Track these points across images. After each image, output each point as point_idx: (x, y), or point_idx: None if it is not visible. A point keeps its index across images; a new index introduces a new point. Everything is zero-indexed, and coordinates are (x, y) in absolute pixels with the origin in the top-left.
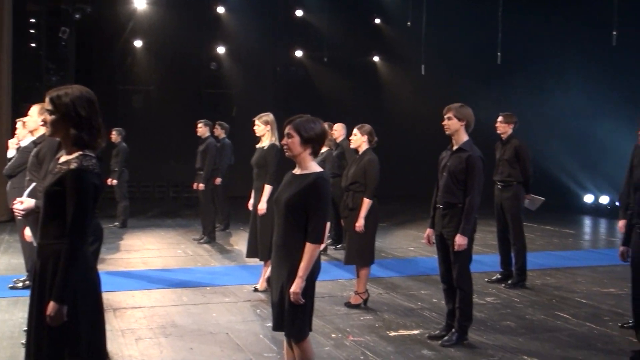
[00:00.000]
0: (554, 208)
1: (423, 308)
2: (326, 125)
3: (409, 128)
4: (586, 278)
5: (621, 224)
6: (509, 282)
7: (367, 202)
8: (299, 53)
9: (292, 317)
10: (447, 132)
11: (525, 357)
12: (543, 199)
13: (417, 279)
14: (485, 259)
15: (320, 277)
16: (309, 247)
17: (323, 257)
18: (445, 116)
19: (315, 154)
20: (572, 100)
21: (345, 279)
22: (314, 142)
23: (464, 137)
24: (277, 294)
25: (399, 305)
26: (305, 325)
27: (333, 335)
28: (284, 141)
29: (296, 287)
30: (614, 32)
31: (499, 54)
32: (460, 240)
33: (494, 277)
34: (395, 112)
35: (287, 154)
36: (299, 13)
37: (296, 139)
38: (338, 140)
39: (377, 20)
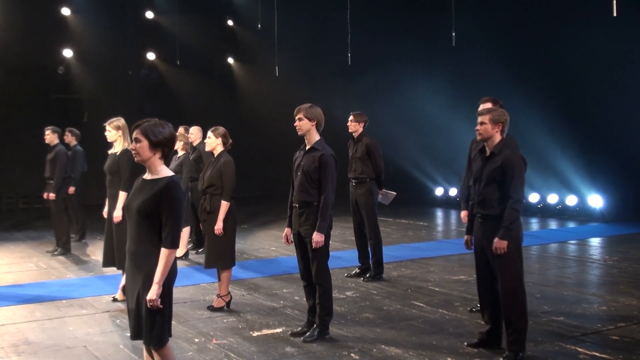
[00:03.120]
0: (408, 202)
1: (285, 306)
2: (182, 128)
3: (266, 129)
4: (439, 267)
5: (463, 214)
6: (367, 275)
7: (225, 205)
8: (151, 56)
9: (150, 324)
10: (299, 133)
11: (383, 346)
12: (395, 193)
13: (279, 278)
14: (344, 255)
15: (181, 282)
16: (164, 252)
17: (184, 262)
18: (296, 117)
19: (165, 157)
20: (421, 99)
21: (207, 282)
22: (163, 145)
23: (316, 137)
24: (134, 302)
25: (261, 305)
26: (165, 331)
27: (196, 340)
28: (132, 146)
29: (153, 293)
30: (453, 34)
31: (349, 54)
32: (317, 238)
33: (353, 272)
34: (252, 114)
35: (136, 159)
36: (149, 15)
37: (145, 143)
38: (195, 144)
39: (230, 22)
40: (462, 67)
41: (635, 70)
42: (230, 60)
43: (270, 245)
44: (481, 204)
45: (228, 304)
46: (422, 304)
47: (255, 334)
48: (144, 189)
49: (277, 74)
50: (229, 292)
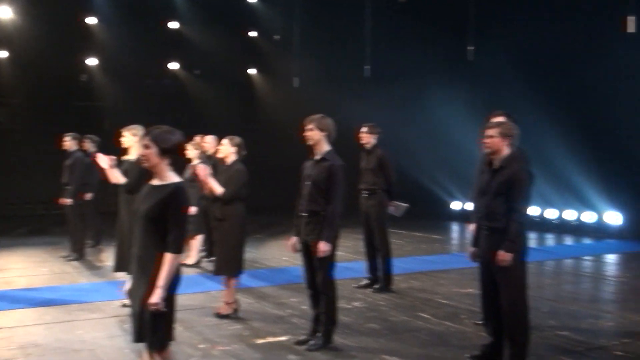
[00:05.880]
0: (424, 215)
1: (292, 315)
2: (198, 137)
3: (284, 140)
4: (449, 280)
5: (472, 227)
6: (376, 286)
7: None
8: (173, 65)
9: (153, 328)
10: (309, 143)
11: (385, 356)
12: (407, 205)
13: (288, 287)
14: (355, 266)
15: (191, 289)
16: (168, 257)
17: (196, 270)
18: (307, 127)
19: (173, 164)
20: (440, 112)
21: (217, 290)
22: (172, 152)
23: (326, 147)
24: (137, 305)
25: (268, 313)
26: (166, 335)
27: (201, 346)
28: (142, 152)
29: (156, 297)
30: (471, 48)
31: (367, 67)
32: (323, 247)
33: (362, 283)
34: (271, 125)
35: (145, 165)
36: (172, 25)
37: (154, 149)
38: (210, 153)
39: (252, 33)
40: (481, 82)
41: None
42: (251, 70)
43: (282, 254)
44: (488, 217)
45: (235, 311)
46: (428, 316)
47: (260, 341)
48: (151, 194)
49: (295, 85)
50: (237, 300)
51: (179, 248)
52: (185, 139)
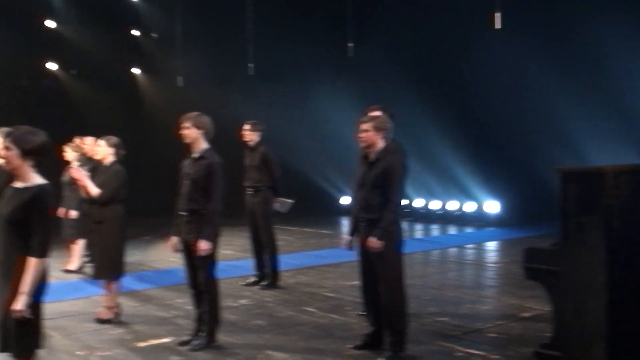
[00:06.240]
0: (314, 211)
1: (177, 316)
2: (77, 139)
3: (171, 141)
4: (336, 274)
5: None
6: (263, 283)
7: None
8: (52, 66)
9: (18, 336)
10: (186, 141)
11: (269, 351)
12: (292, 201)
13: (174, 288)
14: (243, 264)
15: (72, 294)
16: (32, 262)
17: (78, 275)
18: (183, 125)
19: (37, 165)
20: (325, 108)
21: (98, 295)
22: (34, 153)
23: (204, 145)
24: (1, 314)
25: (152, 315)
26: (34, 343)
27: (79, 353)
28: (3, 154)
29: (20, 304)
30: (350, 44)
31: (250, 65)
32: (203, 246)
33: (250, 280)
34: (157, 125)
35: (7, 167)
36: (50, 24)
37: (15, 151)
38: (89, 155)
39: (135, 32)
40: (362, 77)
41: (528, 80)
42: (134, 70)
43: (169, 256)
44: (365, 209)
45: (117, 315)
46: (314, 310)
47: (142, 344)
48: (14, 197)
49: (180, 84)
50: (118, 304)
51: (43, 252)
52: (51, 140)
